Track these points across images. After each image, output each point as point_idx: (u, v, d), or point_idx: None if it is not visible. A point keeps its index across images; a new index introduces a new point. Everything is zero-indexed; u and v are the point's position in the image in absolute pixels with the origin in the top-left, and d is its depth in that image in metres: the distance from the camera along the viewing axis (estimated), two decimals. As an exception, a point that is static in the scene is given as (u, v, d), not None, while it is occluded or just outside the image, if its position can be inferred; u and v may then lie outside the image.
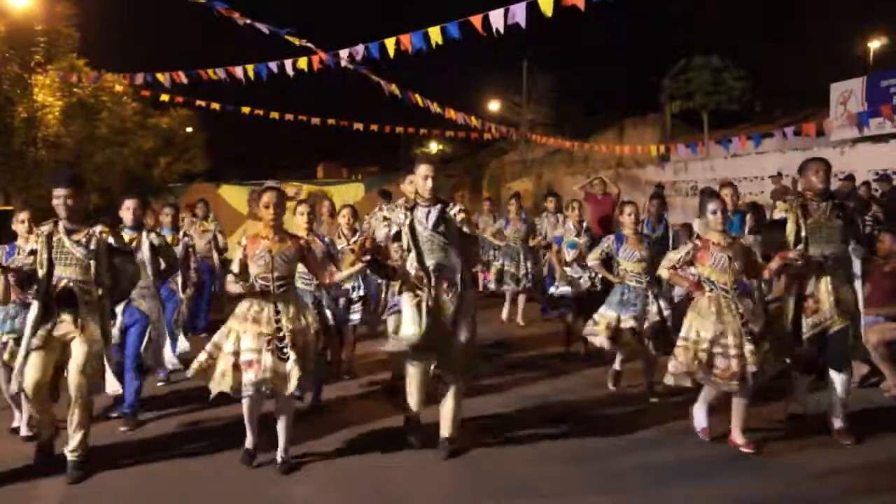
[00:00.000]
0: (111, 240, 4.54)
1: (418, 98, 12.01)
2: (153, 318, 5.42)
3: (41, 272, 4.40)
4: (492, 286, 9.93)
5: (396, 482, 4.38)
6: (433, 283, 4.57)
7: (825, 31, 22.96)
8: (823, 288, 4.72)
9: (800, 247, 4.70)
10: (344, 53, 9.02)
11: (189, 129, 23.58)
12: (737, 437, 4.71)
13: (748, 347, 4.53)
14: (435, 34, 7.79)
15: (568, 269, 7.54)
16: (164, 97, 13.37)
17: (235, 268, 4.46)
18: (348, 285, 6.25)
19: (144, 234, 5.45)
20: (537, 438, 5.02)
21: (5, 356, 5.02)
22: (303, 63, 9.47)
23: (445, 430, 4.74)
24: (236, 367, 4.32)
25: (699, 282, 4.85)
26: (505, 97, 31.17)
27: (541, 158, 29.73)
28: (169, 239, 6.56)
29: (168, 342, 5.75)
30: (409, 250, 4.65)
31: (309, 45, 9.17)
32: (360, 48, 8.66)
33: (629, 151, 20.91)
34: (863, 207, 9.75)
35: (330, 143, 42.02)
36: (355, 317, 6.55)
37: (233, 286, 4.44)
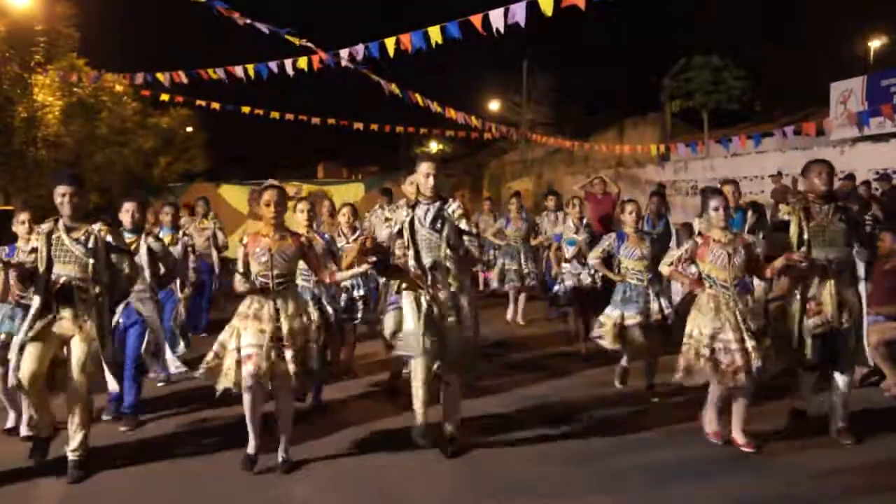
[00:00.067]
0: (109, 238, 4.55)
1: (418, 98, 12.01)
2: (151, 323, 5.41)
3: (41, 269, 4.41)
4: (495, 285, 9.94)
5: (397, 482, 4.38)
6: (430, 282, 4.59)
7: (825, 30, 22.95)
8: (827, 291, 4.70)
9: (803, 249, 4.70)
10: (344, 53, 9.02)
11: (189, 129, 23.62)
12: (737, 436, 4.71)
13: (750, 343, 4.53)
14: (435, 34, 7.79)
15: (568, 266, 7.56)
16: (164, 97, 13.37)
17: (241, 266, 4.49)
18: (348, 283, 6.26)
19: (143, 238, 5.44)
20: (537, 438, 5.02)
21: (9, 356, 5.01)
22: (303, 63, 9.47)
23: (446, 429, 4.74)
24: (238, 363, 4.34)
25: (700, 278, 4.86)
26: (505, 97, 31.20)
27: (541, 158, 29.75)
28: (168, 238, 6.57)
29: (168, 343, 5.74)
30: (408, 247, 4.69)
31: (309, 44, 9.17)
32: (360, 48, 8.66)
33: (629, 151, 20.95)
34: (863, 207, 9.74)
35: (330, 143, 42.10)
36: (357, 315, 6.56)
37: (240, 285, 4.46)
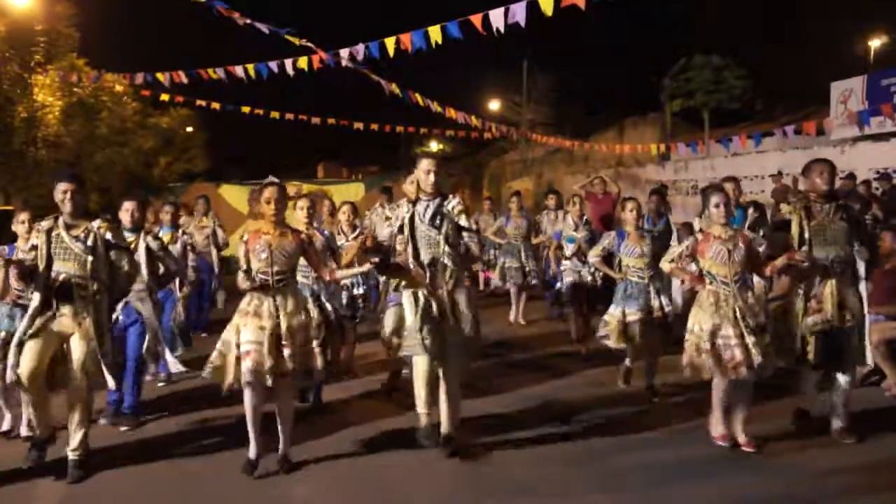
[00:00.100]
0: (109, 235, 4.56)
1: (418, 97, 12.00)
2: (149, 323, 5.40)
3: (41, 266, 4.42)
4: (497, 282, 9.93)
5: (397, 482, 4.37)
6: (429, 279, 4.60)
7: (825, 30, 22.95)
8: (828, 291, 4.70)
9: (804, 248, 4.69)
10: (344, 53, 9.01)
11: (189, 129, 23.62)
12: (738, 436, 4.71)
13: (750, 339, 4.53)
14: (435, 33, 7.78)
15: (568, 263, 7.56)
16: (164, 97, 13.34)
17: (243, 264, 4.50)
18: (347, 281, 6.25)
19: (142, 237, 5.44)
20: (538, 438, 5.01)
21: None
22: (303, 63, 9.46)
23: (444, 429, 4.73)
24: (238, 359, 4.35)
25: (700, 275, 4.86)
26: (505, 97, 31.21)
27: (541, 158, 29.75)
28: (168, 236, 6.56)
29: (167, 344, 5.73)
30: (407, 244, 4.71)
31: (309, 44, 9.16)
32: (360, 48, 8.65)
33: (629, 150, 20.94)
34: (863, 206, 9.74)
35: (330, 143, 42.07)
36: (358, 314, 6.56)
37: (243, 282, 4.46)
